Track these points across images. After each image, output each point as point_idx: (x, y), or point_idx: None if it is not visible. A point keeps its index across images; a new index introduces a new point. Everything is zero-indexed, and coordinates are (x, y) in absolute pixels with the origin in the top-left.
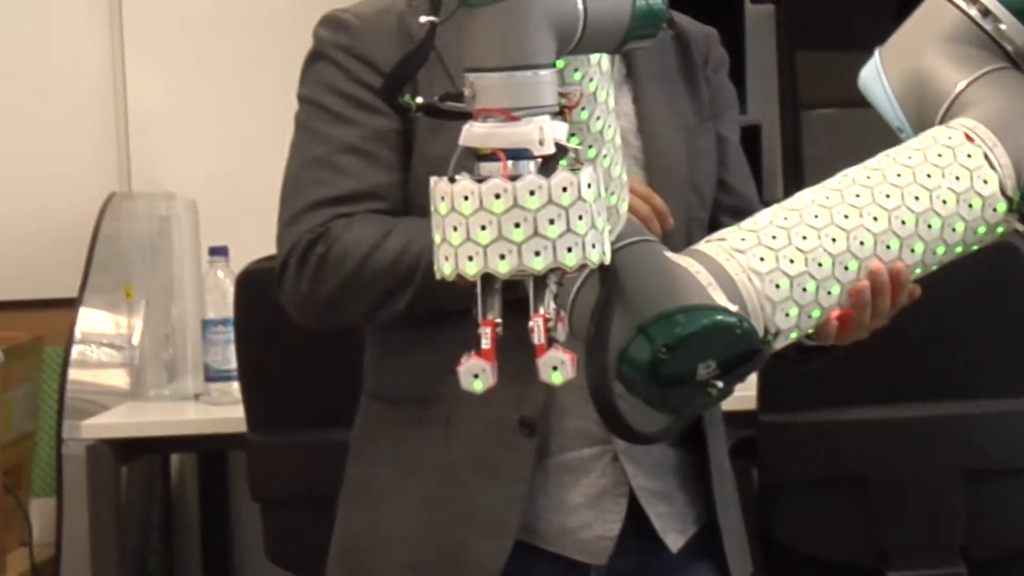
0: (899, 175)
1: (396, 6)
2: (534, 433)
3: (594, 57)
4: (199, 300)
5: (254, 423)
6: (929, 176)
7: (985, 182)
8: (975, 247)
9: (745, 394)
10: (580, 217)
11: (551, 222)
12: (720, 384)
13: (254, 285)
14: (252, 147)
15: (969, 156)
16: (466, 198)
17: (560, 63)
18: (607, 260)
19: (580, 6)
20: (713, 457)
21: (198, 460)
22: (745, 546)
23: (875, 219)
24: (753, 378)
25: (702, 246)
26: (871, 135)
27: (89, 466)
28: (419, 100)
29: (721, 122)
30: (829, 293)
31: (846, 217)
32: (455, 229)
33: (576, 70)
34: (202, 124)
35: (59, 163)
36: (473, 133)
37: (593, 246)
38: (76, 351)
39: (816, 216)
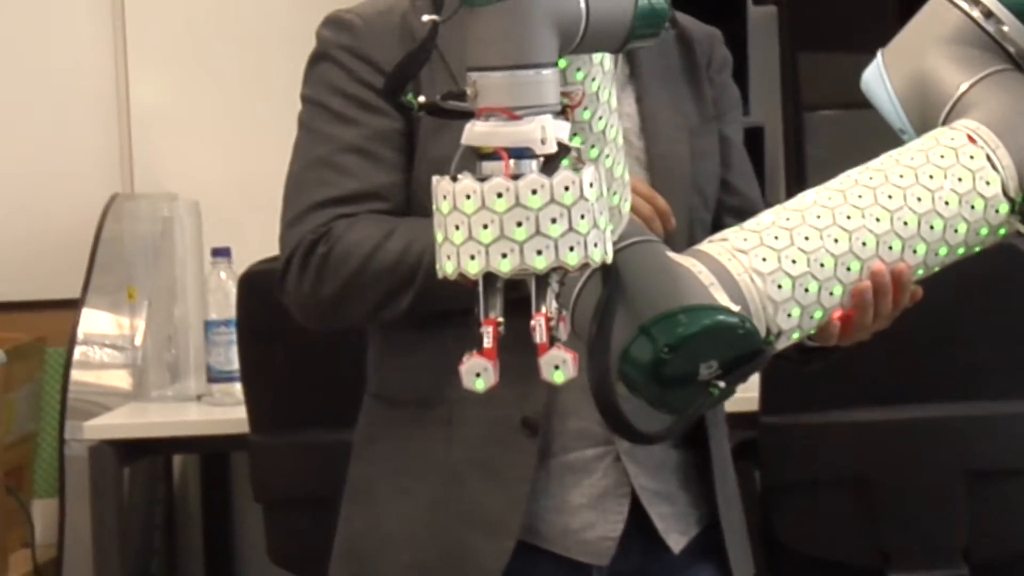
0: (901, 176)
1: (399, 6)
2: (536, 434)
3: (596, 57)
4: (201, 301)
5: (256, 424)
6: (931, 177)
7: (987, 183)
8: (977, 248)
9: (747, 396)
10: (582, 216)
11: (553, 221)
12: (722, 384)
13: (256, 286)
14: (255, 148)
15: (971, 157)
16: (468, 197)
17: (562, 63)
18: (609, 259)
19: (582, 5)
20: (715, 458)
21: (200, 461)
22: (747, 547)
23: (877, 220)
24: (755, 380)
25: (704, 246)
26: (873, 137)
27: (91, 467)
28: (421, 99)
29: (724, 123)
30: (831, 294)
31: (848, 218)
32: (457, 228)
33: (578, 70)
34: (205, 125)
35: (62, 164)
36: (475, 132)
37: (595, 245)
38: (78, 352)
39: (818, 217)
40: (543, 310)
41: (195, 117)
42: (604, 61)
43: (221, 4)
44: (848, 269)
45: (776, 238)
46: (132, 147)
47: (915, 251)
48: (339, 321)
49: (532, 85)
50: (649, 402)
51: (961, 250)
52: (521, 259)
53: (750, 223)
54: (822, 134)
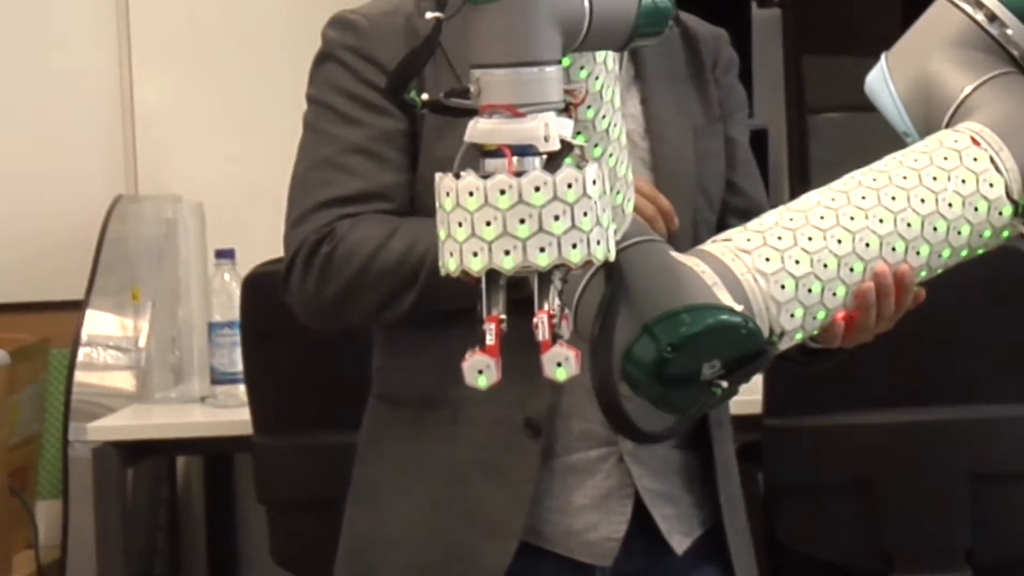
0: (905, 178)
1: (404, 7)
2: (539, 434)
3: (600, 55)
4: (205, 303)
5: (260, 426)
6: (935, 179)
7: (991, 185)
8: (980, 251)
9: (750, 398)
10: (585, 214)
11: (556, 218)
12: (725, 384)
13: (260, 288)
14: (259, 150)
15: (975, 160)
16: (471, 194)
17: (566, 61)
18: (612, 257)
19: (586, 3)
20: (718, 459)
21: (204, 462)
22: (750, 549)
23: (881, 221)
24: (758, 382)
25: (708, 246)
26: (877, 139)
27: (95, 468)
28: (424, 97)
29: (730, 124)
30: (834, 294)
31: (852, 219)
32: (460, 225)
33: (582, 68)
34: (209, 126)
35: (66, 166)
36: (479, 129)
37: (598, 243)
38: (82, 353)
39: (822, 217)
40: (546, 307)
41: (199, 118)
42: (608, 60)
43: (225, 6)
44: (851, 270)
45: (779, 238)
46: (136, 149)
47: (918, 252)
48: (342, 321)
49: (535, 82)
50: (652, 401)
51: (964, 252)
52: (524, 256)
53: (753, 223)
54: (826, 137)
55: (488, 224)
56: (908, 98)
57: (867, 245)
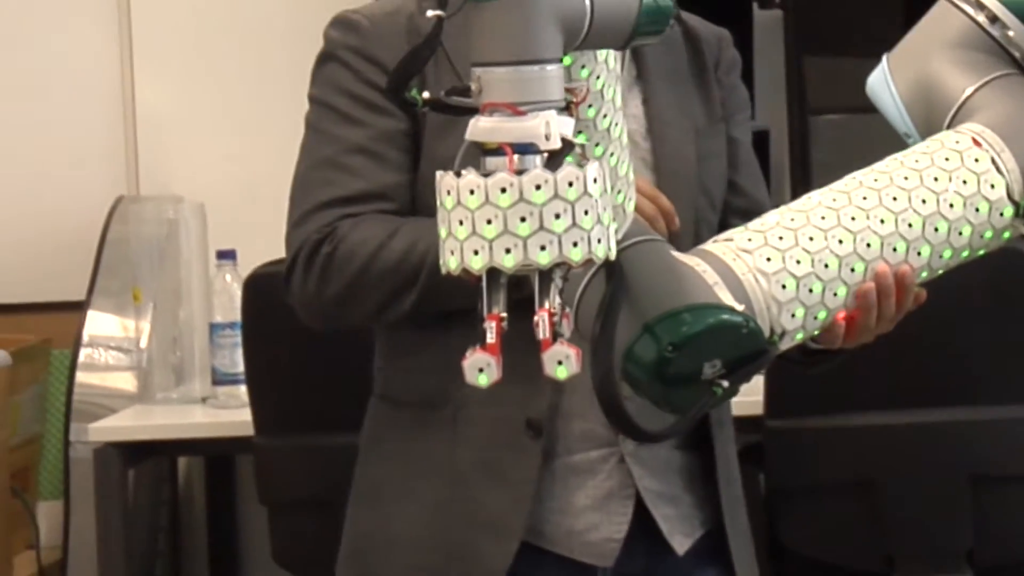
0: (906, 178)
1: (406, 7)
2: (540, 435)
3: (601, 54)
4: (207, 303)
5: (261, 426)
6: (936, 180)
7: (992, 186)
8: (981, 252)
9: (751, 399)
10: (586, 212)
11: (557, 216)
12: (726, 384)
13: (262, 289)
14: (260, 151)
15: (976, 160)
16: (472, 192)
17: (567, 60)
18: (612, 255)
19: (587, 1)
20: (720, 460)
21: (205, 463)
22: (751, 550)
23: (882, 221)
24: (759, 384)
25: (709, 246)
26: (879, 141)
27: (96, 469)
28: (425, 95)
29: (732, 124)
30: (835, 295)
31: (853, 219)
32: (461, 223)
33: (583, 67)
34: (210, 127)
35: (67, 166)
36: (479, 127)
37: (599, 241)
38: (84, 354)
39: (823, 217)
40: (546, 306)
41: (200, 119)
42: (609, 59)
43: (227, 7)
44: (852, 270)
45: (780, 238)
46: (138, 149)
47: (919, 253)
48: (344, 321)
49: (536, 81)
50: (652, 401)
51: (965, 253)
52: (525, 254)
53: (755, 223)
54: (828, 138)
55: (489, 222)
56: (909, 99)
57: (868, 245)
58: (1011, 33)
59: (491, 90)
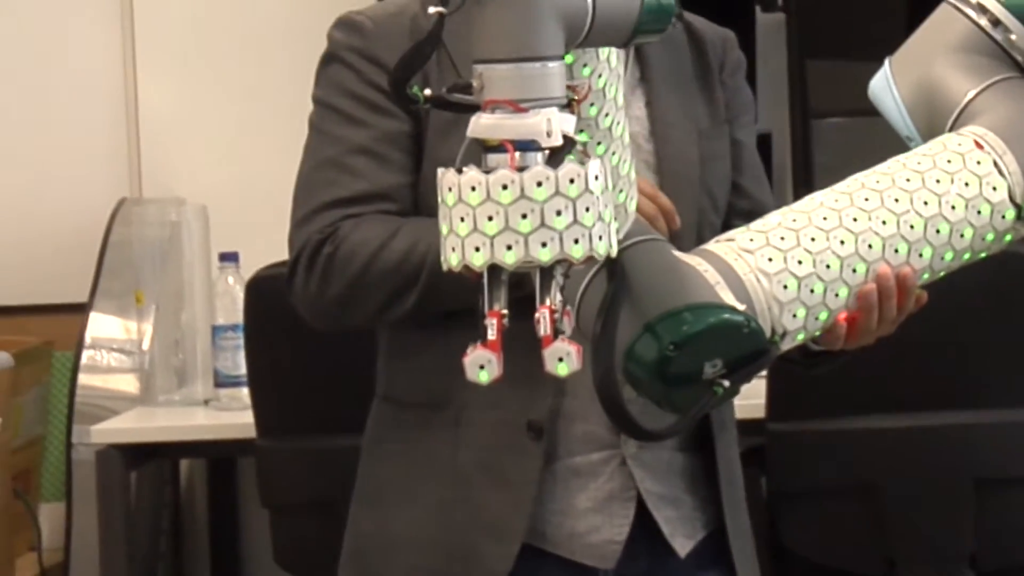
0: (908, 180)
1: (409, 8)
2: (541, 437)
3: (603, 53)
4: (209, 305)
5: (263, 429)
6: (938, 182)
7: (994, 189)
8: (983, 254)
9: (753, 402)
10: (587, 209)
11: (558, 213)
12: (726, 383)
13: (264, 291)
14: (263, 153)
15: (978, 163)
16: (473, 188)
17: (569, 58)
18: (613, 252)
19: None
20: (721, 462)
21: (207, 465)
22: (753, 552)
23: (883, 223)
24: (762, 386)
25: (710, 246)
26: (881, 144)
27: (98, 471)
28: (427, 92)
29: (736, 126)
30: (836, 295)
31: (855, 220)
32: (462, 220)
33: (585, 65)
34: (213, 129)
35: (70, 168)
36: (481, 124)
37: (600, 238)
38: (86, 356)
39: (825, 218)
40: (547, 303)
41: (203, 121)
42: (611, 58)
43: (229, 9)
44: (854, 271)
45: (782, 239)
46: (140, 151)
47: (921, 255)
48: (346, 321)
49: (538, 78)
50: (653, 400)
51: (967, 255)
52: (526, 251)
53: (756, 224)
54: (830, 141)
55: (490, 219)
56: (912, 103)
57: (870, 246)
58: (1013, 37)
59: (493, 87)
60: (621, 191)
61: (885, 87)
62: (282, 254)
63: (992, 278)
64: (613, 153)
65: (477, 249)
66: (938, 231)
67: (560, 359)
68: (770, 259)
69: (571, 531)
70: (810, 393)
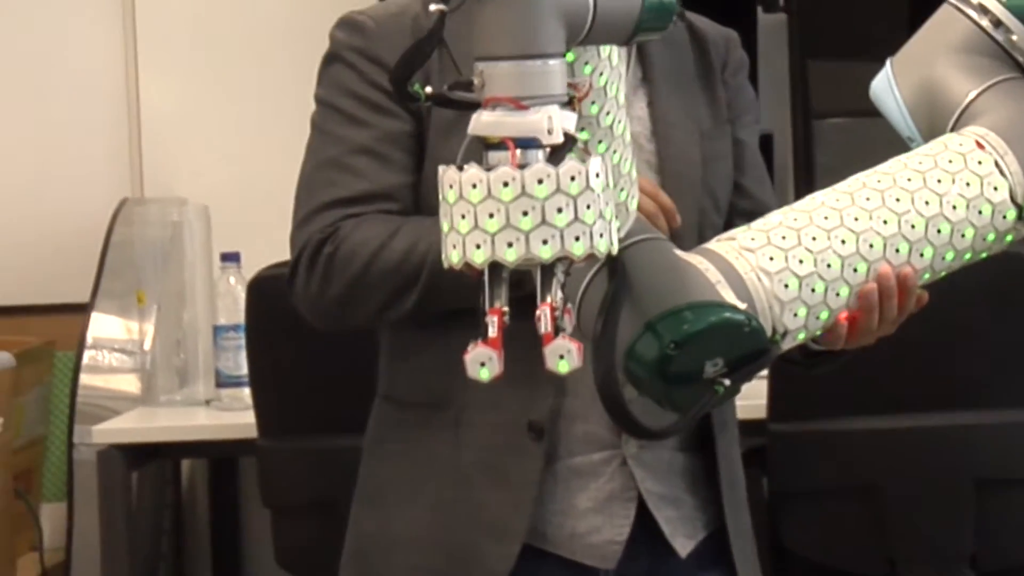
0: (909, 180)
1: (411, 8)
2: (542, 437)
3: (604, 51)
4: (210, 306)
5: (265, 429)
6: (939, 182)
7: (995, 189)
8: (984, 254)
9: (754, 403)
10: (588, 206)
11: (559, 211)
12: (727, 382)
13: (265, 291)
14: (264, 153)
15: (980, 163)
16: (474, 186)
17: (570, 56)
18: (614, 250)
19: None
20: (722, 462)
21: (209, 465)
22: (754, 552)
23: (885, 222)
24: (763, 387)
25: (712, 244)
26: (882, 145)
27: (100, 471)
28: (428, 90)
29: (739, 126)
30: (837, 295)
31: (856, 219)
32: (463, 217)
33: (586, 63)
34: (214, 130)
35: (71, 168)
36: (482, 122)
37: (601, 236)
38: (87, 356)
39: (826, 218)
40: (548, 300)
41: (205, 122)
42: (612, 56)
43: (231, 9)
44: (855, 270)
45: (783, 238)
46: (142, 151)
47: (922, 255)
48: (347, 321)
49: (539, 75)
50: (654, 399)
51: (968, 255)
52: (527, 248)
53: (758, 223)
54: (831, 142)
55: (491, 216)
56: (913, 103)
57: (871, 246)
58: (1015, 37)
59: (494, 84)
60: (622, 189)
61: (886, 87)
62: (284, 254)
63: (992, 278)
64: (614, 151)
65: (478, 246)
66: (939, 231)
67: (561, 356)
68: (771, 258)
69: (572, 531)
70: (811, 393)
